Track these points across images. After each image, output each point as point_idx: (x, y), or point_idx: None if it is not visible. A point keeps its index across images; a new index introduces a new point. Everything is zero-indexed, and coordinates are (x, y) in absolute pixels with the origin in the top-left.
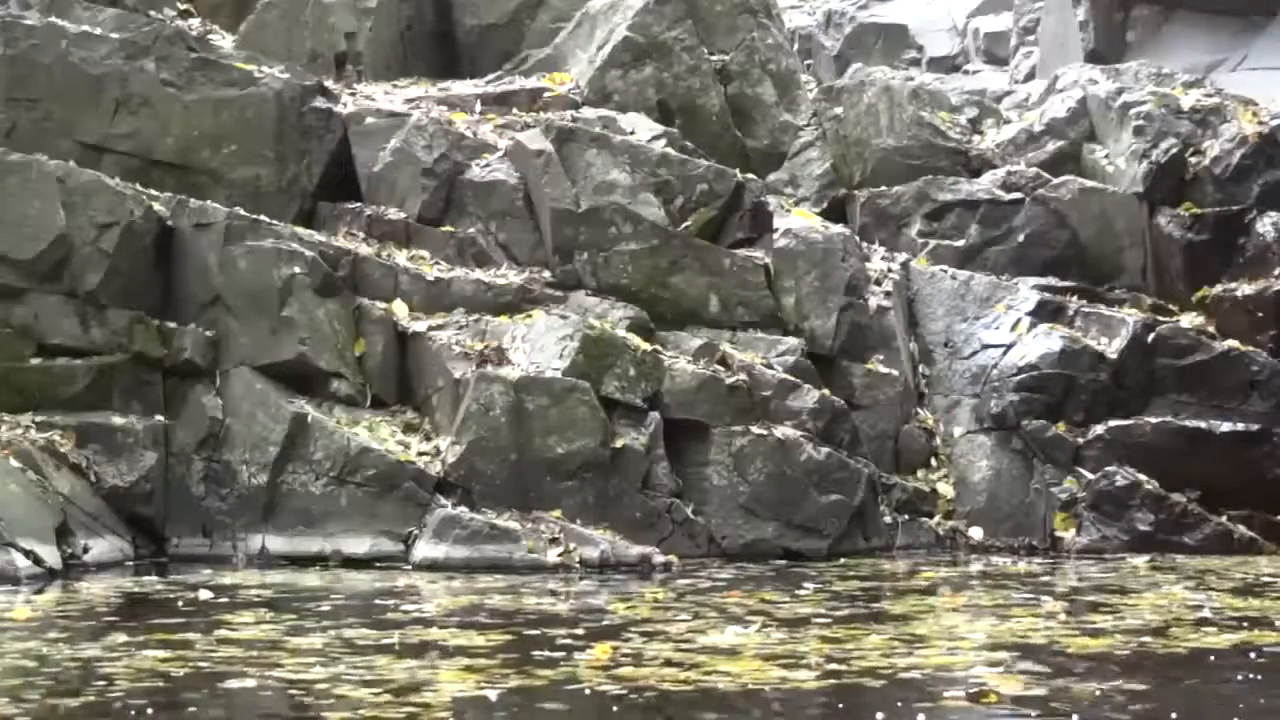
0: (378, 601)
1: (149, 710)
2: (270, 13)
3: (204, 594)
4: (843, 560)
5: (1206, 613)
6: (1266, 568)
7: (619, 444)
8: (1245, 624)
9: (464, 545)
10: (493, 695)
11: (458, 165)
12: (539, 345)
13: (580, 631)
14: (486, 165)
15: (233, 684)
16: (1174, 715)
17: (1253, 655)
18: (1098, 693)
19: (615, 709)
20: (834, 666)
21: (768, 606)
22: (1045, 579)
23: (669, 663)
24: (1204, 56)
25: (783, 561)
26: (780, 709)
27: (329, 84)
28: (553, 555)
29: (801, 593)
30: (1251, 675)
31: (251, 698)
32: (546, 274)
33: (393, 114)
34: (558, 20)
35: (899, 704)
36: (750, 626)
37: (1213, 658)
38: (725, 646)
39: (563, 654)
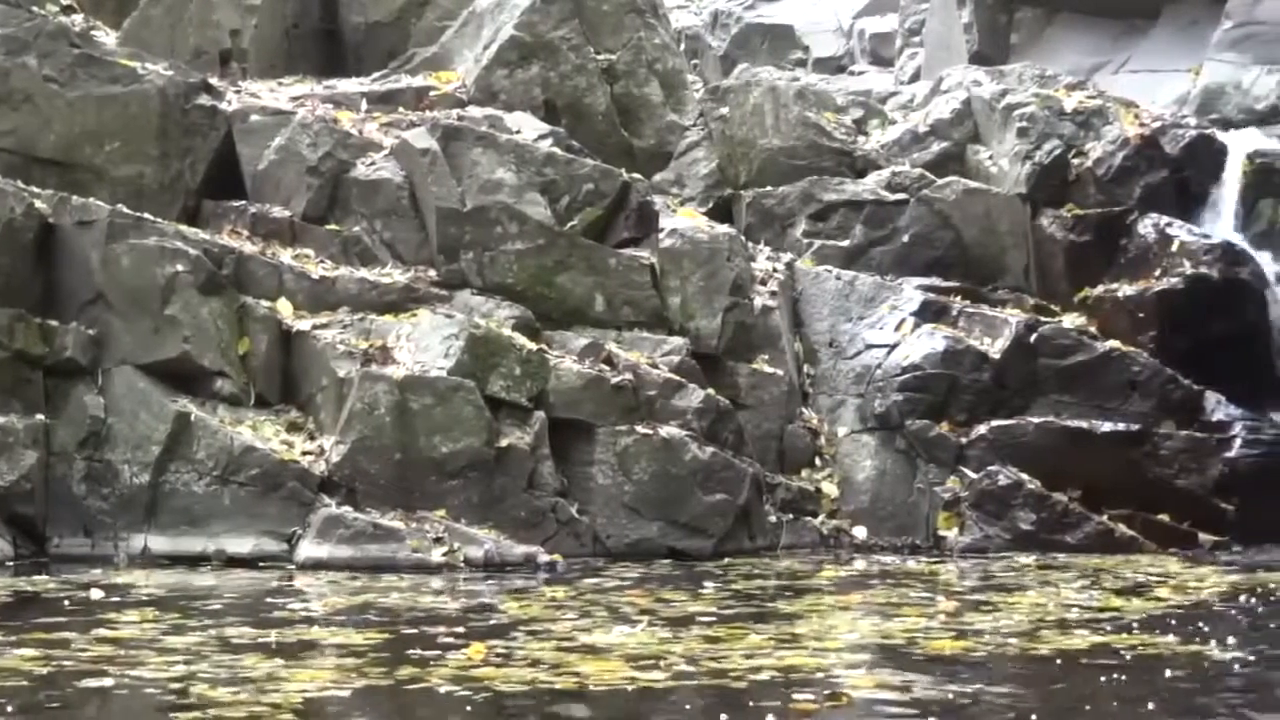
0: (268, 600)
1: (9, 709)
2: (154, 9)
3: (95, 593)
4: (729, 559)
5: (1088, 613)
6: (1151, 567)
7: (504, 443)
8: (1125, 625)
9: (348, 545)
10: (344, 694)
11: (343, 163)
12: (424, 344)
13: (462, 630)
14: (372, 164)
15: (91, 683)
16: (1033, 718)
17: (1123, 656)
18: (950, 694)
19: (468, 708)
20: (686, 668)
21: (660, 606)
22: (943, 578)
23: (535, 662)
24: (1087, 59)
25: (674, 561)
26: (614, 709)
27: (213, 81)
28: (437, 555)
29: (704, 592)
30: (1116, 676)
31: (105, 697)
32: (432, 273)
33: (278, 112)
34: (444, 19)
35: (749, 704)
36: (637, 626)
37: (1082, 659)
38: (603, 646)
39: (437, 653)
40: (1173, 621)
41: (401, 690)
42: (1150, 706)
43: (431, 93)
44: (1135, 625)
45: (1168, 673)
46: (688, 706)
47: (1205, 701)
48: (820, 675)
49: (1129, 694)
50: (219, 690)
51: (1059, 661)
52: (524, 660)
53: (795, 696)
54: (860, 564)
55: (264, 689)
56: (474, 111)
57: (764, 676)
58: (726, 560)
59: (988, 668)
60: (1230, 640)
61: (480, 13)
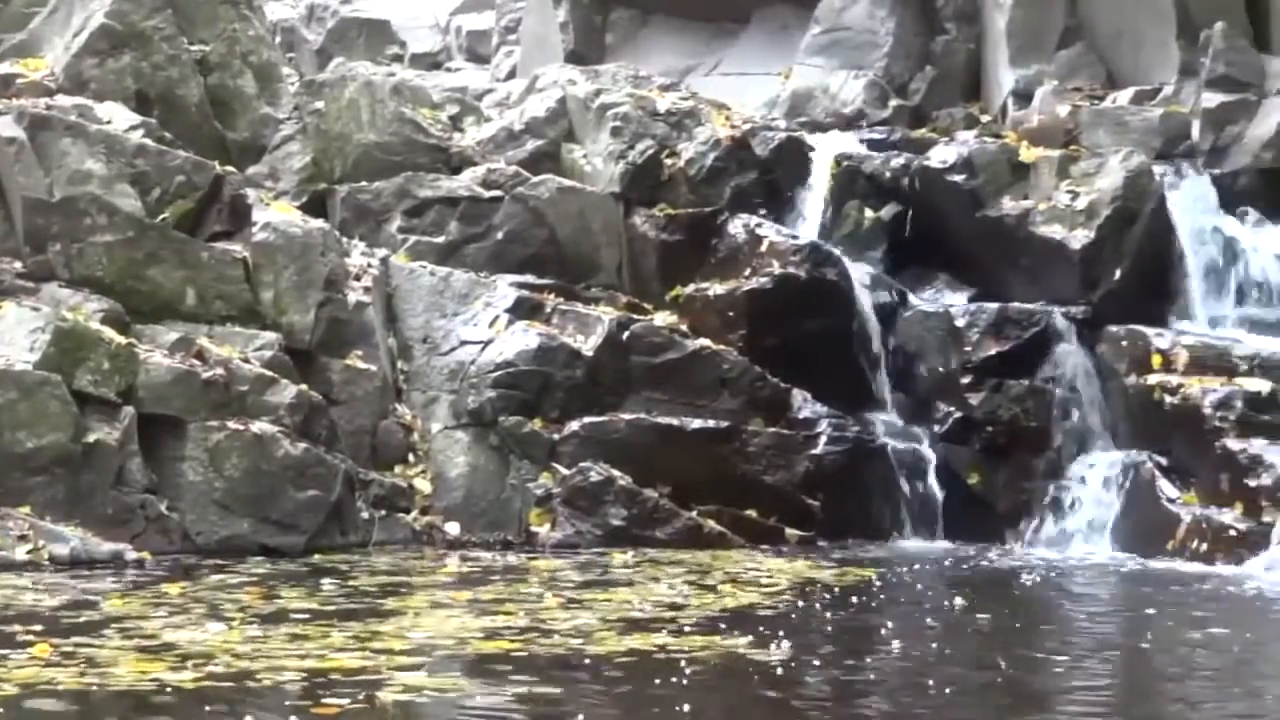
0: None
1: None
2: None
3: None
4: (322, 556)
5: (667, 610)
6: (747, 562)
7: (91, 439)
8: (694, 623)
9: None
10: None
11: None
12: (8, 338)
13: (40, 629)
14: None
15: None
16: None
17: (673, 655)
18: (496, 697)
19: None
20: (218, 669)
21: (263, 603)
22: (551, 575)
23: (87, 661)
24: (680, 60)
25: (266, 557)
26: (123, 708)
27: None
28: (21, 553)
29: (321, 589)
30: (675, 680)
31: None
32: (18, 265)
33: None
34: (33, 4)
35: (283, 704)
36: (231, 624)
37: (623, 659)
38: (183, 643)
39: (3, 653)
40: (732, 620)
41: None
42: (685, 708)
43: (18, 80)
44: (706, 623)
45: (688, 671)
46: (208, 708)
47: (734, 699)
48: (368, 676)
49: (660, 693)
50: None
51: (588, 661)
52: (79, 660)
53: (326, 700)
54: (466, 561)
55: None
56: (63, 100)
57: (306, 677)
58: (317, 556)
59: (542, 669)
60: (784, 639)
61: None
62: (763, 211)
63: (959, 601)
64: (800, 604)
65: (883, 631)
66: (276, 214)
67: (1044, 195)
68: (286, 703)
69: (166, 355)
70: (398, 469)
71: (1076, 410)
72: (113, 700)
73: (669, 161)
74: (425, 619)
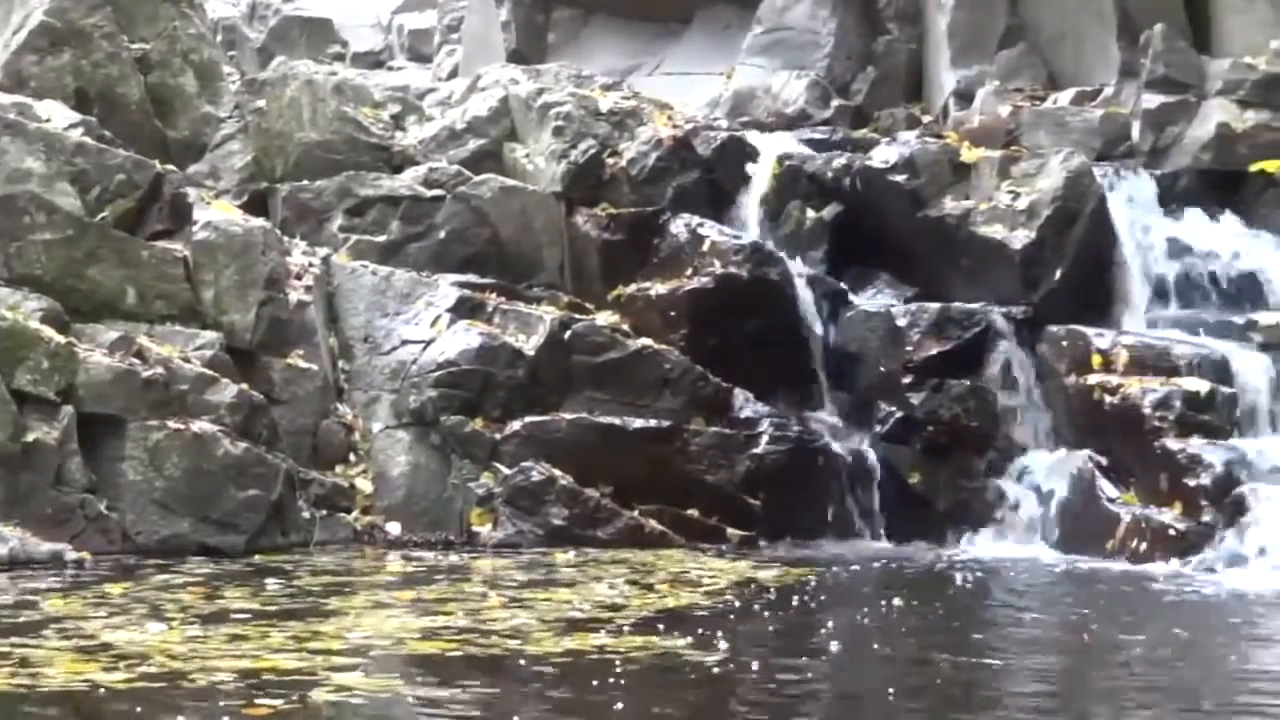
0: None
1: None
2: None
3: None
4: (263, 555)
5: (605, 611)
6: (687, 562)
7: (30, 438)
8: (632, 624)
9: None
10: None
11: None
12: None
13: None
14: None
15: None
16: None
17: (609, 657)
18: (411, 698)
19: None
20: (152, 669)
21: (204, 603)
22: (494, 574)
23: (24, 662)
24: (622, 60)
25: (207, 556)
26: (50, 709)
27: None
28: None
29: (265, 589)
30: (610, 680)
31: None
32: None
33: None
34: None
35: (217, 704)
36: (171, 624)
37: (557, 659)
38: (120, 644)
39: None
40: (671, 620)
41: None
42: (618, 708)
43: None
44: (645, 623)
45: (624, 671)
46: (139, 709)
47: (669, 700)
48: (303, 677)
49: (594, 694)
50: None
51: (523, 661)
52: (13, 660)
53: (260, 700)
54: (410, 561)
55: None
56: (2, 98)
57: (240, 677)
58: (259, 556)
59: (478, 670)
60: (722, 640)
61: None
62: (705, 211)
63: (897, 601)
64: (739, 604)
65: (822, 631)
66: (217, 213)
67: (985, 195)
68: (220, 703)
69: (106, 354)
70: (339, 468)
71: (1017, 410)
72: (41, 701)
73: (611, 161)
74: (366, 619)
